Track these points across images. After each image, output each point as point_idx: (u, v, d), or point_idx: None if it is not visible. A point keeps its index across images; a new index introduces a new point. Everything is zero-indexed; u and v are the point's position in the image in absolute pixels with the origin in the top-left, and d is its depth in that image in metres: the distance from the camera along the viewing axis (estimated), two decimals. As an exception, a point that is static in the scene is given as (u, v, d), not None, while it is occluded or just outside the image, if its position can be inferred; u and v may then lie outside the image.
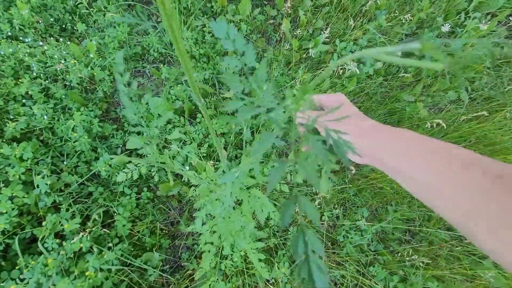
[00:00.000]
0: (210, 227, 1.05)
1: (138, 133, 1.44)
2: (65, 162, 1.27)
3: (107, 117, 1.50)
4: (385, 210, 1.24)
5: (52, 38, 1.59)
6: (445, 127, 1.10)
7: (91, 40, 1.42)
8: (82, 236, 0.98)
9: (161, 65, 1.62)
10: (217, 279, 1.06)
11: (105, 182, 1.31)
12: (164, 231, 1.31)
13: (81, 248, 1.01)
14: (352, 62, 1.40)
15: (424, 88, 1.48)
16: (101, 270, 0.98)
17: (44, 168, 1.22)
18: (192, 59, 1.54)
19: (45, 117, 1.25)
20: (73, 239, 1.06)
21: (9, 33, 1.53)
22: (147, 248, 1.20)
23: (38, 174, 1.12)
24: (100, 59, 1.47)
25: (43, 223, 1.05)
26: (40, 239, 1.02)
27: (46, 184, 1.10)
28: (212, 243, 1.06)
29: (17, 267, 1.02)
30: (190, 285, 1.12)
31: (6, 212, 1.05)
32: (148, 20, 1.77)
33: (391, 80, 1.51)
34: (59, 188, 1.21)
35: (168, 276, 1.16)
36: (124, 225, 1.14)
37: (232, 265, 1.11)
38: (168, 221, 1.36)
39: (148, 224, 1.25)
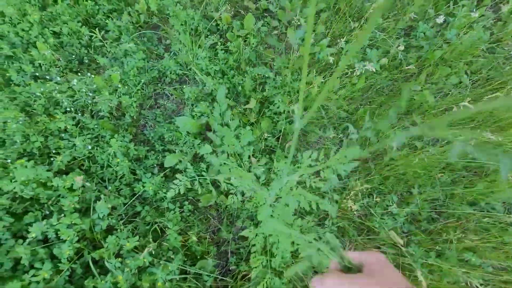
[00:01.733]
0: (260, 230, 1.15)
1: (169, 151, 1.54)
2: (109, 187, 1.35)
3: (136, 140, 1.59)
4: (410, 194, 1.34)
5: (72, 73, 1.68)
6: (472, 108, 1.21)
7: (114, 71, 1.52)
8: (146, 251, 1.07)
9: (178, 85, 1.72)
10: (271, 277, 1.15)
11: (148, 200, 1.40)
12: (207, 239, 1.40)
13: (144, 264, 1.10)
14: (358, 62, 1.51)
15: (427, 76, 1.60)
16: (166, 281, 1.07)
17: (94, 194, 1.31)
18: (208, 76, 1.63)
19: (89, 147, 1.34)
20: (132, 256, 1.15)
21: (35, 74, 1.62)
22: (198, 257, 1.29)
23: (96, 201, 1.21)
24: (126, 87, 1.56)
25: (105, 244, 1.14)
26: (106, 259, 1.10)
27: (108, 208, 1.18)
28: (263, 245, 1.15)
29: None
30: (245, 286, 1.21)
31: (68, 239, 1.14)
32: (159, 43, 1.87)
33: (396, 73, 1.62)
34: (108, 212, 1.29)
35: (225, 278, 1.25)
36: (175, 238, 1.23)
37: (281, 261, 1.20)
38: (209, 230, 1.45)
39: (195, 234, 1.34)
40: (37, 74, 1.63)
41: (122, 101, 1.53)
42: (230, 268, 1.38)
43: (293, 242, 1.12)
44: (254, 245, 1.34)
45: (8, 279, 1.11)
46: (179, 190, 1.19)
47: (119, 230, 1.25)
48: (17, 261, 1.15)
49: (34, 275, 1.07)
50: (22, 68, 1.64)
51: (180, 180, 1.20)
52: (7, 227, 1.16)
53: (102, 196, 1.21)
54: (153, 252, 1.10)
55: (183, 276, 1.14)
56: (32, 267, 1.15)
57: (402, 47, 1.50)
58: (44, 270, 1.07)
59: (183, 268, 1.16)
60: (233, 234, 1.45)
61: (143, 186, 1.33)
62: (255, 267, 1.17)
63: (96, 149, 1.40)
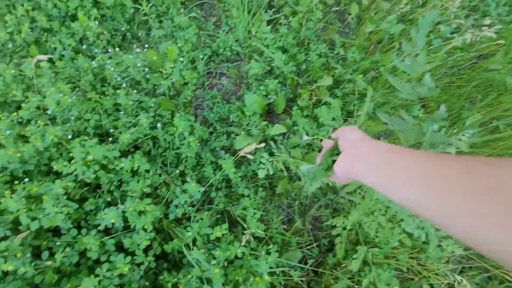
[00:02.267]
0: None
1: (233, 133, 1.39)
2: (175, 171, 1.20)
3: (195, 121, 1.43)
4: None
5: (114, 48, 1.51)
6: None
7: (176, 42, 1.36)
8: (245, 241, 0.92)
9: (231, 64, 1.58)
10: (374, 269, 1.01)
11: (218, 187, 1.25)
12: (283, 228, 1.26)
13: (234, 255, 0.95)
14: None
15: (506, 55, 1.50)
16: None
17: (157, 178, 1.15)
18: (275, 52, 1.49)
19: (159, 125, 1.18)
20: (216, 248, 1.00)
21: (78, 48, 1.45)
22: (279, 248, 1.15)
23: (159, 187, 1.05)
24: (182, 63, 1.40)
25: (187, 234, 0.98)
26: (186, 249, 0.94)
27: (198, 191, 1.02)
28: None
29: (169, 284, 0.94)
30: (341, 280, 1.07)
31: (145, 229, 0.98)
32: (206, 21, 1.73)
33: (473, 52, 1.52)
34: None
35: (318, 269, 1.11)
36: (258, 227, 1.08)
37: (380, 252, 1.07)
38: (281, 219, 1.30)
39: (275, 223, 1.19)
40: (79, 48, 1.46)
41: (178, 79, 1.38)
42: (308, 261, 1.24)
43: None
44: (338, 235, 1.21)
45: (73, 275, 0.94)
46: (268, 171, 1.04)
47: (192, 218, 1.09)
48: (80, 254, 0.98)
49: (108, 270, 0.90)
50: (61, 42, 1.47)
51: (267, 160, 1.05)
52: (68, 215, 0.99)
53: (188, 178, 1.05)
54: (245, 243, 0.96)
55: (273, 270, 0.99)
56: (97, 261, 0.99)
57: (487, 22, 1.40)
58: (122, 263, 0.90)
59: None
60: (309, 224, 1.31)
61: (215, 170, 1.18)
62: (355, 259, 1.04)
63: (157, 130, 1.24)
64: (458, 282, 0.96)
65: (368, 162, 0.36)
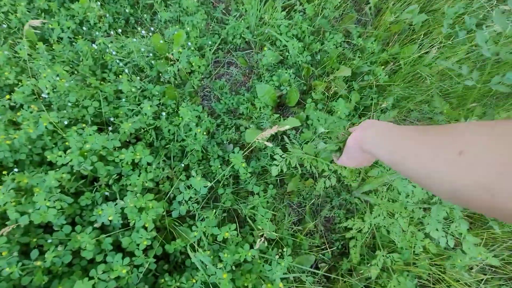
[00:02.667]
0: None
1: (245, 127, 1.29)
2: (180, 165, 1.10)
3: (202, 112, 1.34)
4: None
5: (117, 33, 1.41)
6: None
7: (183, 27, 1.26)
8: (259, 244, 0.82)
9: (240, 53, 1.48)
10: (396, 277, 0.93)
11: (225, 183, 1.16)
12: (294, 229, 1.17)
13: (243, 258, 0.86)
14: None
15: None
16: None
17: (160, 173, 1.06)
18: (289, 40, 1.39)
19: (164, 114, 1.09)
20: (221, 249, 0.91)
21: (78, 30, 1.35)
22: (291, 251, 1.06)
23: (163, 182, 0.96)
24: (188, 50, 1.31)
25: (192, 233, 0.89)
26: (191, 251, 0.86)
27: (205, 186, 0.93)
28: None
29: (171, 290, 0.85)
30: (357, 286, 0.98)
31: (146, 227, 0.89)
32: (214, 8, 1.63)
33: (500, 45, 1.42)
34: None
35: (330, 275, 1.02)
36: (270, 229, 0.99)
37: (400, 258, 0.98)
38: (291, 219, 1.21)
39: (286, 224, 1.10)
40: (79, 30, 1.36)
41: (185, 67, 1.28)
42: (319, 265, 1.16)
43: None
44: (353, 237, 1.12)
45: (65, 276, 0.86)
46: (280, 168, 0.95)
47: (197, 217, 1.01)
48: (73, 253, 0.90)
49: (104, 271, 0.81)
50: (60, 23, 1.37)
51: (281, 156, 0.96)
52: (61, 210, 0.90)
53: (193, 172, 0.96)
54: (256, 246, 0.87)
55: (287, 275, 0.90)
56: (92, 261, 0.90)
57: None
58: (119, 265, 0.82)
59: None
60: (322, 225, 1.22)
61: (222, 164, 1.09)
62: (375, 265, 0.95)
63: (160, 120, 1.15)
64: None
65: (374, 130, 0.44)
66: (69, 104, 1.04)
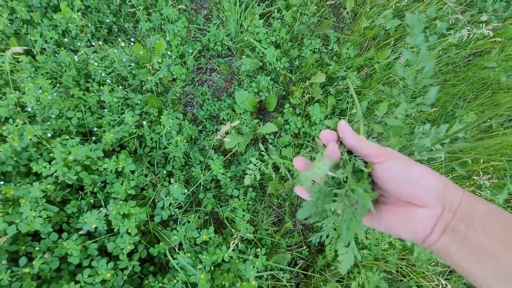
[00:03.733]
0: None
1: (226, 132, 1.35)
2: (163, 172, 1.16)
3: (184, 119, 1.39)
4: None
5: (100, 42, 1.44)
6: None
7: (157, 39, 1.30)
8: (234, 245, 0.89)
9: (222, 59, 1.52)
10: (363, 272, 1.00)
11: (207, 188, 1.21)
12: (273, 229, 1.24)
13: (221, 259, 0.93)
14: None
15: (501, 52, 1.48)
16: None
17: (143, 179, 1.11)
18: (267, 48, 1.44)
19: (144, 122, 1.14)
20: (203, 251, 0.97)
21: (61, 41, 1.38)
22: (268, 250, 1.13)
23: (145, 188, 1.01)
24: (170, 59, 1.35)
25: (173, 236, 0.95)
26: (172, 253, 0.92)
27: (183, 193, 0.99)
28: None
29: (154, 290, 0.91)
30: (330, 283, 1.06)
31: (129, 232, 0.94)
32: (196, 14, 1.66)
33: (465, 48, 1.49)
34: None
35: (307, 273, 1.09)
36: (247, 229, 1.06)
37: (369, 254, 1.06)
38: (270, 220, 1.28)
39: (265, 225, 1.17)
40: (62, 41, 1.39)
41: (166, 75, 1.32)
42: (298, 262, 1.23)
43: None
44: (328, 235, 1.19)
45: (53, 281, 0.91)
46: (254, 176, 1.01)
47: (179, 221, 1.07)
48: (60, 259, 0.95)
49: (90, 276, 0.87)
50: (42, 34, 1.40)
51: (255, 165, 1.02)
52: (48, 219, 0.95)
53: (172, 180, 1.01)
54: (233, 247, 0.93)
55: (261, 273, 0.97)
56: (79, 266, 0.96)
57: (485, 19, 1.37)
58: (104, 269, 0.87)
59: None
60: (300, 224, 1.29)
61: (204, 170, 1.15)
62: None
63: (143, 128, 1.20)
64: (443, 286, 0.95)
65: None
66: (53, 116, 1.08)
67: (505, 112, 1.46)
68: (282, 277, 1.05)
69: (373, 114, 1.40)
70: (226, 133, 1.33)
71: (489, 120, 1.43)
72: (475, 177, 1.06)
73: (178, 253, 0.92)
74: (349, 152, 0.35)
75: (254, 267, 0.88)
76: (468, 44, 1.47)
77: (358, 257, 1.06)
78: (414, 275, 1.09)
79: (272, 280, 1.04)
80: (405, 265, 1.10)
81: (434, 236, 0.28)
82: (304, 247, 1.19)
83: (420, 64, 0.58)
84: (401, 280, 1.11)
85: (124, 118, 1.12)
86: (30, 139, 0.99)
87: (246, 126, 1.29)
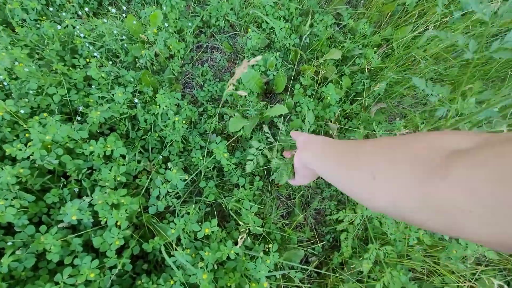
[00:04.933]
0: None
1: (230, 116, 1.21)
2: (158, 157, 1.02)
3: (183, 101, 1.25)
4: None
5: (88, 16, 1.29)
6: None
7: (162, 8, 1.15)
8: (241, 242, 0.76)
9: (224, 36, 1.38)
10: (389, 271, 0.88)
11: (208, 176, 1.08)
12: (282, 223, 1.11)
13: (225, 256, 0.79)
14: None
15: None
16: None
17: (135, 166, 0.98)
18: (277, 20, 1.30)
19: (136, 100, 0.99)
20: (207, 246, 0.84)
21: (43, 11, 1.23)
22: (278, 246, 1.00)
23: (139, 175, 0.88)
24: (166, 32, 1.20)
25: (170, 230, 0.82)
26: (169, 250, 0.78)
27: (183, 180, 0.86)
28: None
29: (147, 293, 0.78)
30: (349, 283, 0.93)
31: (119, 225, 0.81)
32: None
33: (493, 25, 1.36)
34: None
35: (321, 271, 0.96)
36: (254, 222, 0.92)
37: (393, 250, 0.93)
38: (279, 213, 1.15)
39: (274, 218, 1.04)
40: (46, 12, 1.24)
41: (162, 50, 1.18)
42: (309, 259, 1.10)
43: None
44: (344, 230, 1.07)
45: (29, 282, 0.78)
46: (257, 161, 0.88)
47: (177, 212, 0.93)
48: (37, 256, 0.82)
49: (71, 276, 0.74)
50: (23, 3, 1.24)
51: (257, 149, 0.89)
52: (24, 209, 0.81)
53: (170, 165, 0.88)
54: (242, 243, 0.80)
55: (273, 273, 0.84)
56: (61, 263, 0.82)
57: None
58: (87, 268, 0.74)
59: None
60: (312, 218, 1.16)
61: (205, 156, 1.01)
62: (367, 259, 0.90)
63: (136, 109, 1.06)
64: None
65: (314, 151, 0.45)
66: (31, 91, 0.93)
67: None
68: (295, 276, 0.92)
69: (392, 96, 1.27)
70: (230, 116, 1.19)
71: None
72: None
73: (176, 249, 0.79)
74: None
75: (266, 266, 0.75)
76: (494, 21, 1.34)
77: (380, 255, 0.94)
78: (442, 273, 0.96)
79: (283, 280, 0.92)
80: (432, 262, 0.98)
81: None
82: (318, 243, 1.06)
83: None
84: (427, 280, 0.99)
85: (113, 95, 0.97)
86: (2, 117, 0.84)
87: (252, 108, 1.15)
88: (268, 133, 0.92)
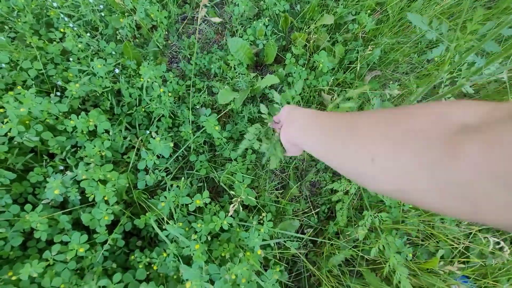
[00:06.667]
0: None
1: (219, 89, 1.16)
2: (146, 132, 0.98)
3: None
4: None
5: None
6: None
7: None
8: (232, 210, 0.74)
9: (210, 6, 1.30)
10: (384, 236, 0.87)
11: (199, 152, 1.05)
12: (276, 195, 1.09)
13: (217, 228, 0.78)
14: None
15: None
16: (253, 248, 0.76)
17: (122, 142, 0.94)
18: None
19: (117, 70, 0.94)
20: (199, 219, 0.82)
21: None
22: (272, 217, 0.99)
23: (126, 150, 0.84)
24: (147, 1, 1.12)
25: (161, 203, 0.80)
26: (164, 224, 0.76)
27: (170, 148, 0.82)
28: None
29: (140, 265, 0.77)
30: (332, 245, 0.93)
31: (107, 200, 0.78)
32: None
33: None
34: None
35: (316, 239, 0.96)
36: (248, 194, 0.90)
37: (388, 217, 0.93)
38: (274, 186, 1.14)
39: (268, 190, 1.02)
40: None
41: (143, 20, 1.11)
42: (305, 231, 1.10)
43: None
44: (339, 200, 1.06)
45: (19, 261, 0.75)
46: (251, 145, 0.84)
47: (168, 187, 0.91)
48: (26, 235, 0.79)
49: (60, 252, 0.72)
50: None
51: (255, 134, 0.85)
52: (6, 188, 0.78)
53: (154, 134, 0.84)
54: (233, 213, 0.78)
55: (267, 242, 0.83)
56: (51, 242, 0.80)
57: None
58: (76, 243, 0.72)
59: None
60: (307, 190, 1.15)
61: (195, 131, 0.97)
62: (363, 225, 0.89)
63: (119, 83, 1.00)
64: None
65: (297, 125, 0.41)
66: (3, 66, 0.87)
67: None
68: (290, 246, 0.92)
69: (386, 63, 1.23)
70: (220, 89, 1.14)
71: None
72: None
73: (168, 223, 0.77)
74: None
75: (259, 235, 0.74)
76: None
77: (375, 222, 0.93)
78: (437, 237, 0.97)
79: (279, 249, 0.91)
80: (427, 227, 0.98)
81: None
82: (313, 213, 1.06)
83: None
84: (422, 244, 0.99)
85: (94, 67, 0.91)
86: (-26, 93, 0.79)
87: (242, 80, 1.10)
88: (264, 113, 0.87)
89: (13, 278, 0.68)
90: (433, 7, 1.25)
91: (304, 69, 1.10)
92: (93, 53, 1.06)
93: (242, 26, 1.24)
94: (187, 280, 0.65)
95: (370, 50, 1.05)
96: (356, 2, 1.27)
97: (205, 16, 1.31)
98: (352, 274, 0.97)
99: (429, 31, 0.43)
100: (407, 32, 1.28)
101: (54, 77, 0.96)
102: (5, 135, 0.80)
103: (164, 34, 1.20)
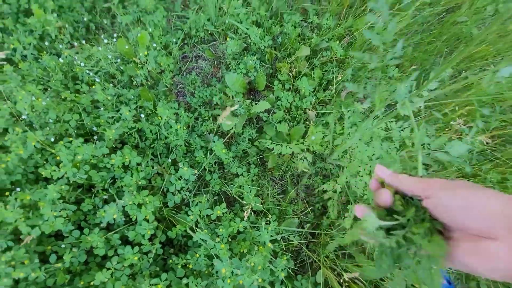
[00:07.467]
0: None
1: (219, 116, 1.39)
2: (167, 160, 1.21)
3: (179, 109, 1.42)
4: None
5: (80, 43, 1.42)
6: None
7: (145, 28, 1.30)
8: (246, 216, 0.97)
9: (206, 45, 1.53)
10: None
11: (211, 170, 1.28)
12: (278, 200, 1.33)
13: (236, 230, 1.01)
14: None
15: (471, 6, 1.55)
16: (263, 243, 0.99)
17: (150, 170, 1.16)
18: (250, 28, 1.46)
19: (142, 115, 1.17)
20: (220, 225, 1.05)
21: (39, 45, 1.36)
22: (277, 218, 1.22)
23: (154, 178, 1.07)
24: (155, 50, 1.35)
25: (189, 216, 1.02)
26: (195, 230, 0.99)
27: (193, 174, 1.05)
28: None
29: (178, 266, 1.00)
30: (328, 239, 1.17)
31: (147, 219, 1.01)
32: (173, 1, 1.64)
33: (437, 6, 1.56)
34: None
35: (315, 231, 1.20)
36: (255, 201, 1.14)
37: (368, 207, 1.17)
38: (275, 192, 1.37)
39: (271, 196, 1.25)
40: (41, 45, 1.37)
41: (154, 67, 1.34)
42: (304, 226, 1.33)
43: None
44: (330, 198, 1.29)
45: (84, 273, 0.98)
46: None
47: (191, 203, 1.13)
48: (87, 253, 1.01)
49: (118, 262, 0.94)
50: (20, 41, 1.36)
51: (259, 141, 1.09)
52: (68, 218, 1.00)
53: (180, 164, 1.07)
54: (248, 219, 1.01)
55: (275, 237, 1.07)
56: (104, 257, 1.02)
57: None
58: (130, 254, 0.94)
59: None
60: (303, 192, 1.39)
61: (206, 154, 1.20)
62: (348, 216, 1.13)
63: (141, 122, 1.23)
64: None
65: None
66: (51, 121, 1.10)
67: (478, 63, 1.55)
68: (293, 239, 1.15)
69: (358, 79, 1.47)
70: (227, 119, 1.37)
71: (464, 71, 1.52)
72: (452, 123, 1.16)
73: (197, 231, 1.00)
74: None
75: (267, 232, 0.97)
76: (440, 1, 1.53)
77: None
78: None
79: (284, 242, 1.14)
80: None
81: None
82: (309, 211, 1.29)
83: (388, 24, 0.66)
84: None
85: (121, 114, 1.14)
86: (34, 146, 1.01)
87: (240, 107, 1.34)
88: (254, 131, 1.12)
89: (85, 285, 0.90)
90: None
91: (289, 93, 1.34)
92: (116, 98, 1.28)
93: (234, 60, 1.48)
94: (218, 271, 0.88)
95: (340, 77, 1.29)
96: (328, 30, 1.51)
97: (202, 54, 1.54)
98: (344, 256, 1.20)
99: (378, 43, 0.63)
100: (375, 51, 1.52)
101: (88, 124, 1.18)
102: (62, 177, 1.02)
103: (170, 74, 1.43)
